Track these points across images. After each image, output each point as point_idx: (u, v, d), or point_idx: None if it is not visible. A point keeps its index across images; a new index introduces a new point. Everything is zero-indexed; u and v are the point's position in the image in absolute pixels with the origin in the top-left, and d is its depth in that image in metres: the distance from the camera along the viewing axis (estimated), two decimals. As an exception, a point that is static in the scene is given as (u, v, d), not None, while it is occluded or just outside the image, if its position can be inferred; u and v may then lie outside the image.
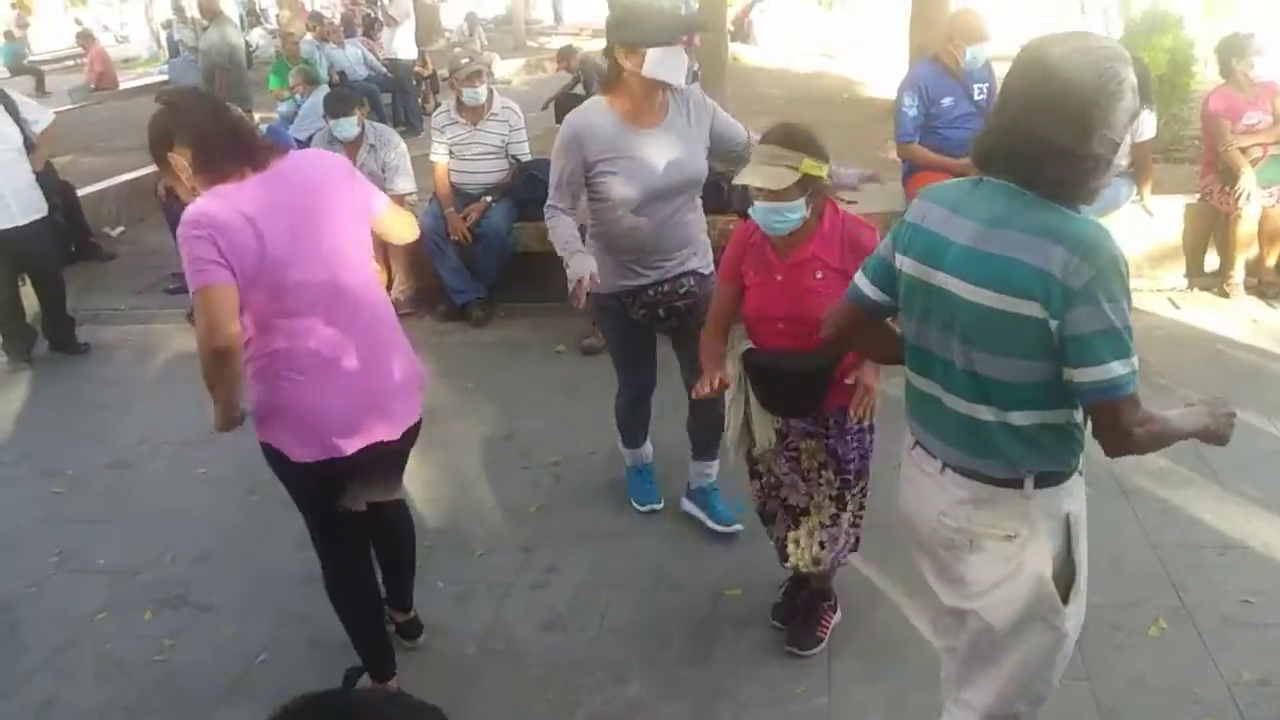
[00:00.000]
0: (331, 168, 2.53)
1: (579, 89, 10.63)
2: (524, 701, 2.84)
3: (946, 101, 5.14)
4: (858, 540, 2.88)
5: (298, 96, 8.98)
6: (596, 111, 3.05)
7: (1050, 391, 1.72)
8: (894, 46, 11.17)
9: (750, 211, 2.56)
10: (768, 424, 2.71)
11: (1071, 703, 2.64)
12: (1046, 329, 1.65)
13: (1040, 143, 1.64)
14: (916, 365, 1.93)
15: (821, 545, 2.77)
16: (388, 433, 2.57)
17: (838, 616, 3.01)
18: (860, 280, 2.00)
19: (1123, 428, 1.68)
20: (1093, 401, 1.69)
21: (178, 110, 2.37)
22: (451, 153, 5.67)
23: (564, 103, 10.67)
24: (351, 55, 11.86)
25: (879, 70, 11.64)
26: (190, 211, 2.26)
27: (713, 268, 3.23)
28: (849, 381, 2.60)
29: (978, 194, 1.76)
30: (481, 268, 5.69)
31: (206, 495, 4.09)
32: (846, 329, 2.09)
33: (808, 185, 2.45)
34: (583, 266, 3.01)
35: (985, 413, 1.79)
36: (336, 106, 5.46)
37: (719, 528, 3.50)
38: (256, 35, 18.03)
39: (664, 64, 2.90)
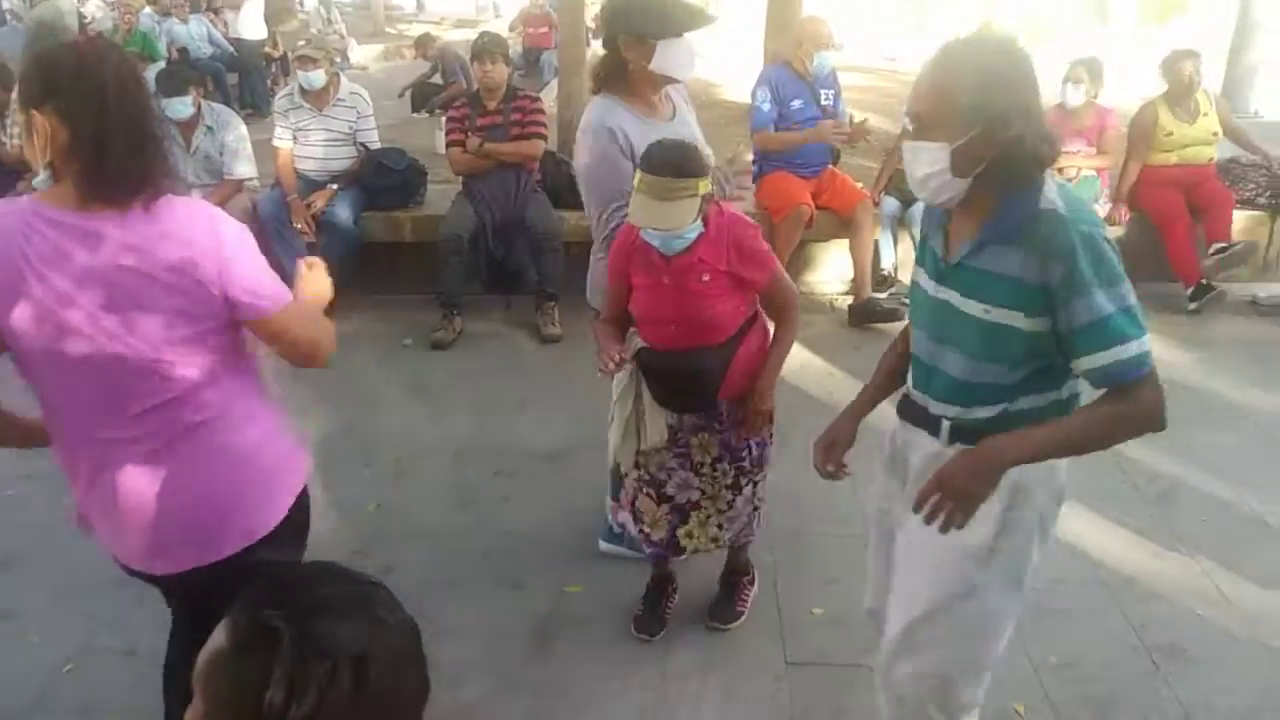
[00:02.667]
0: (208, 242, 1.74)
1: (437, 78, 10.45)
2: (354, 705, 2.75)
3: (796, 104, 5.29)
4: (762, 517, 2.94)
5: None
6: (617, 109, 2.80)
7: None
8: (750, 51, 11.41)
9: (644, 235, 2.50)
10: (661, 421, 2.71)
11: (892, 689, 2.76)
12: None
13: None
14: None
15: (719, 526, 2.84)
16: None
17: (755, 589, 3.13)
18: None
19: None
20: None
21: (85, 61, 1.66)
22: (295, 138, 5.48)
23: (421, 91, 10.48)
24: (195, 31, 11.29)
25: (735, 74, 11.86)
26: None
27: None
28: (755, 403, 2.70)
29: None
30: (325, 257, 5.45)
31: (15, 493, 3.81)
32: None
33: (701, 204, 2.44)
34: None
35: None
36: (169, 85, 5.16)
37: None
38: (92, 6, 16.86)
39: (673, 57, 2.77)
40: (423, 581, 3.27)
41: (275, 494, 1.99)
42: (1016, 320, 1.75)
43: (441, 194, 5.81)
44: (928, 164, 1.76)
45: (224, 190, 5.40)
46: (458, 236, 5.11)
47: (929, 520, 1.77)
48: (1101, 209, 5.58)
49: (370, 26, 18.21)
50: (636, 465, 2.82)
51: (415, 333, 5.26)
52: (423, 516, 3.65)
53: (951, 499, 1.74)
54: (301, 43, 5.48)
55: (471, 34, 6.00)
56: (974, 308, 1.80)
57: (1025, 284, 1.72)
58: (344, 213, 5.44)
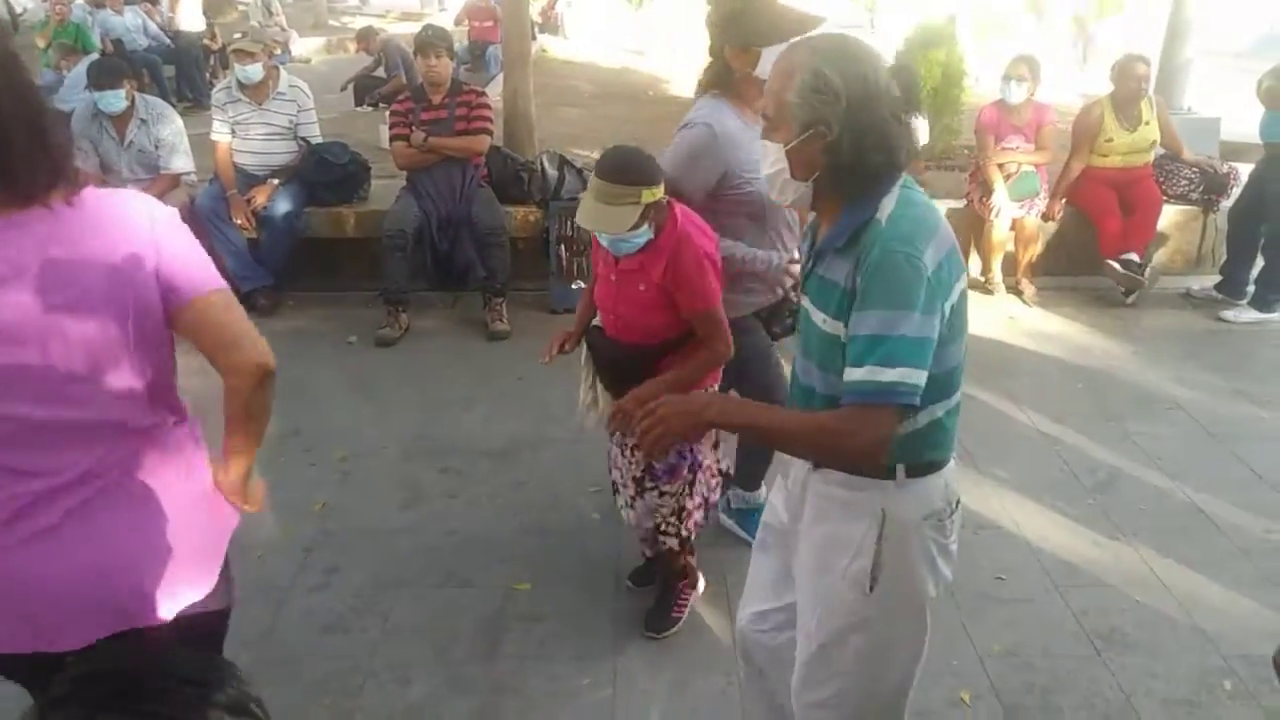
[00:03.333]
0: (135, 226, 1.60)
1: (380, 71, 10.32)
2: (298, 709, 2.70)
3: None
4: (682, 538, 2.85)
5: (64, 73, 8.14)
6: (723, 110, 2.81)
7: None
8: (699, 47, 11.41)
9: (597, 236, 2.57)
10: (608, 397, 2.79)
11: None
12: None
13: None
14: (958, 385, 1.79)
15: (633, 510, 2.87)
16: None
17: (699, 590, 3.10)
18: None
19: None
20: None
21: None
22: (234, 132, 5.37)
23: (363, 85, 10.34)
24: (130, 22, 11.02)
25: (684, 69, 11.89)
26: None
27: None
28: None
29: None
30: (268, 253, 5.40)
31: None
32: None
33: (647, 213, 2.43)
34: (779, 257, 2.89)
35: None
36: (102, 77, 5.03)
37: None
38: (24, -3, 16.46)
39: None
40: (369, 580, 3.22)
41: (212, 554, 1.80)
42: (841, 332, 1.69)
43: (386, 189, 5.74)
44: (770, 163, 1.76)
45: (160, 185, 5.27)
46: (402, 232, 5.05)
47: (613, 429, 1.78)
48: (1041, 204, 5.68)
49: (312, 19, 17.93)
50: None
51: (360, 330, 5.19)
52: (369, 515, 3.60)
53: (651, 423, 1.67)
54: (238, 36, 5.38)
55: (416, 27, 5.92)
56: (817, 316, 1.77)
57: (848, 295, 1.67)
58: (285, 208, 5.35)
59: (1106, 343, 5.17)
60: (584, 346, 2.87)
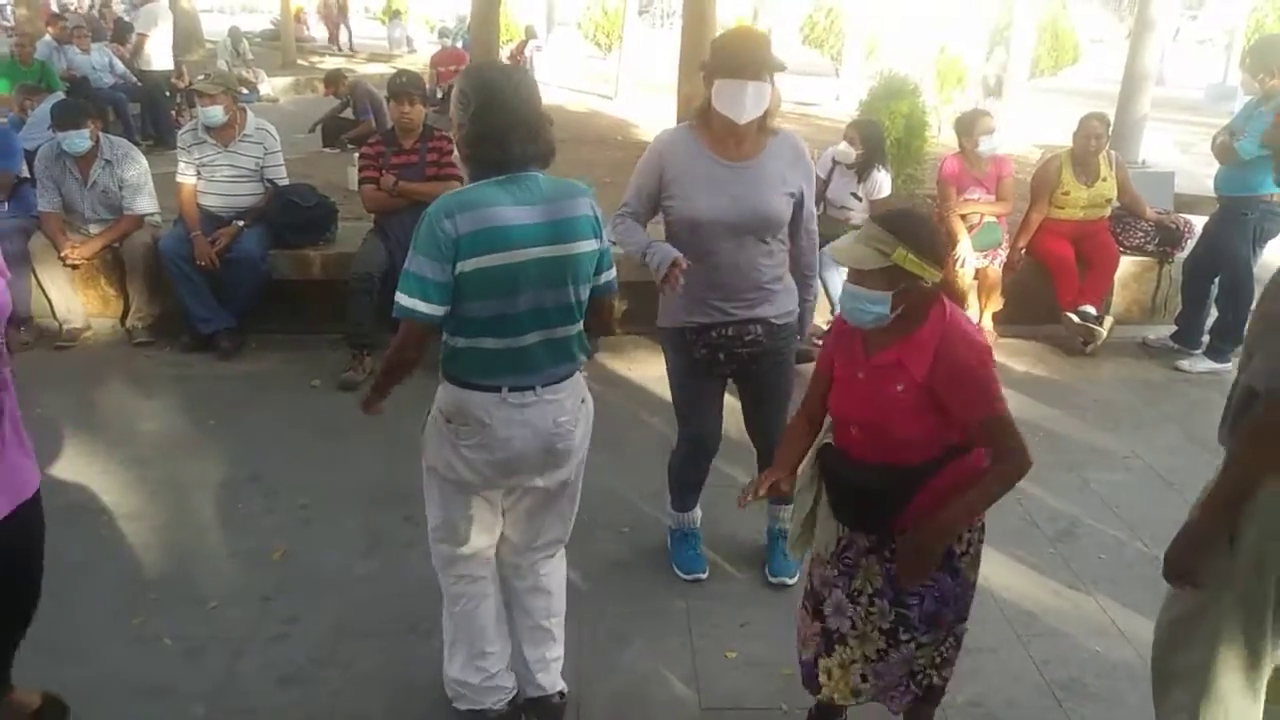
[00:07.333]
0: None
1: (348, 113, 10.35)
2: (254, 765, 2.65)
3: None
4: (936, 690, 2.52)
5: (29, 111, 7.94)
6: (680, 134, 3.10)
7: None
8: (666, 92, 11.59)
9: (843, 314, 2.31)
10: (832, 528, 2.39)
11: (802, 733, 2.77)
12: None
13: None
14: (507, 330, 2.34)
15: (863, 678, 2.41)
16: None
17: None
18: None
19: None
20: None
21: None
22: (200, 173, 5.35)
23: (332, 126, 10.36)
24: (97, 61, 10.98)
25: (652, 114, 12.05)
26: None
27: (791, 320, 3.19)
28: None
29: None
30: (231, 295, 5.36)
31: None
32: None
33: (898, 280, 2.13)
34: (668, 252, 2.92)
35: (575, 328, 2.46)
36: (65, 118, 5.00)
37: (679, 573, 3.53)
38: (-13, 32, 16.38)
39: (725, 98, 2.91)
40: (330, 630, 3.17)
41: None
42: None
43: (353, 231, 5.73)
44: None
45: (123, 225, 5.25)
46: (369, 275, 5.04)
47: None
48: (1004, 254, 5.79)
49: (280, 58, 17.97)
50: (809, 572, 2.52)
51: (324, 373, 5.15)
52: (330, 563, 3.55)
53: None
54: (201, 77, 5.37)
55: (384, 68, 5.96)
56: None
57: None
58: (250, 250, 5.32)
59: (1066, 392, 5.25)
60: (810, 473, 2.44)
